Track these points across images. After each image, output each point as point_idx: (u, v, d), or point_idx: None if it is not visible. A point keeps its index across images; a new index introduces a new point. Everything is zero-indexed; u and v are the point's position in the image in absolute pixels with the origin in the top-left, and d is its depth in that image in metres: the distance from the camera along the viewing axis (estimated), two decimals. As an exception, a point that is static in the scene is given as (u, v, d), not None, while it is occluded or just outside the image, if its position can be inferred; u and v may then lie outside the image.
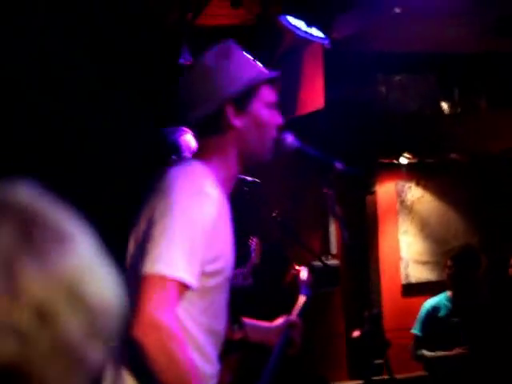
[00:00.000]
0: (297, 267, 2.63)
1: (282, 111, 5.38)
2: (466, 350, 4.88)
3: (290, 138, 2.13)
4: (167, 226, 1.81)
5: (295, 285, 2.57)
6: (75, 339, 0.72)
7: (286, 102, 5.08)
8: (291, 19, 3.83)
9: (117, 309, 0.77)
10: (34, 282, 0.70)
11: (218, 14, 3.92)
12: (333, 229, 6.06)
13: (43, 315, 0.70)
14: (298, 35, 3.75)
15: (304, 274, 2.58)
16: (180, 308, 1.87)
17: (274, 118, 2.06)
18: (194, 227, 1.82)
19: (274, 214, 3.20)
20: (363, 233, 6.16)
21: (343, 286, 6.03)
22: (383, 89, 5.53)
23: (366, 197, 6.18)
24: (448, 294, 5.17)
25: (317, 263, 5.63)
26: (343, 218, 2.18)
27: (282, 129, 2.10)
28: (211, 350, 1.98)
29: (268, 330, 2.42)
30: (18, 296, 0.70)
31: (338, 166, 2.14)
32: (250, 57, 2.08)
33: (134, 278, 1.81)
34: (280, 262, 4.87)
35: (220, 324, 2.03)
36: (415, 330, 5.20)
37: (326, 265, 5.66)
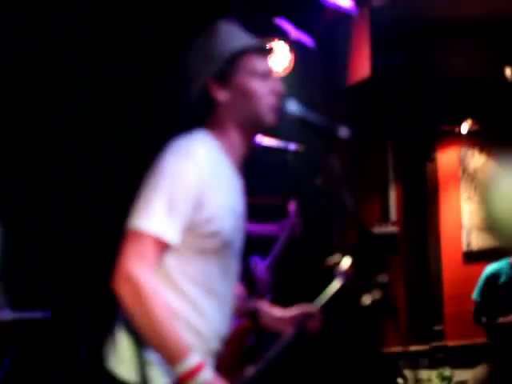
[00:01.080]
0: (337, 256, 2.54)
1: (333, 82, 5.32)
2: None
3: (291, 106, 2.08)
4: (150, 186, 1.89)
5: (331, 271, 2.50)
6: None
7: (336, 72, 5.10)
8: None
9: None
10: None
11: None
12: (392, 196, 6.04)
13: None
14: (327, 5, 3.71)
15: (346, 263, 2.46)
16: (173, 265, 1.93)
17: (265, 86, 2.03)
18: (175, 186, 1.87)
19: (317, 182, 3.18)
20: (423, 200, 6.13)
21: (403, 254, 6.03)
22: (444, 55, 5.44)
23: (426, 164, 6.14)
24: (510, 260, 5.13)
25: (375, 230, 5.64)
26: (348, 188, 2.12)
27: (283, 96, 2.07)
28: (212, 311, 1.99)
29: (282, 318, 2.37)
30: None
31: (343, 133, 2.06)
32: (238, 30, 2.07)
33: None
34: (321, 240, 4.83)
35: (225, 287, 2.03)
36: (474, 296, 5.17)
37: (382, 232, 5.65)
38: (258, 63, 2.04)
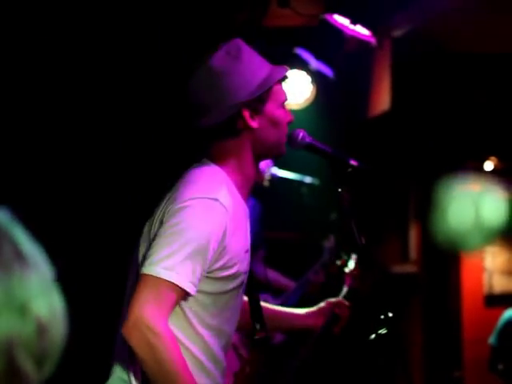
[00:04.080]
0: (344, 257, 2.57)
1: (353, 114, 5.23)
2: None
3: (301, 134, 2.10)
4: (173, 230, 1.82)
5: (340, 276, 2.53)
6: (15, 350, 0.78)
7: (356, 104, 5.00)
8: (337, 17, 3.77)
9: (60, 333, 0.83)
10: None
11: (282, 15, 3.86)
12: (412, 234, 5.90)
13: None
14: (346, 33, 3.68)
15: (351, 265, 2.52)
16: (189, 309, 1.89)
17: (286, 116, 2.05)
18: (201, 235, 1.82)
19: (332, 217, 3.10)
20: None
21: (421, 295, 5.86)
22: (468, 88, 5.34)
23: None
24: (532, 305, 4.95)
25: (393, 269, 5.49)
26: (356, 221, 2.08)
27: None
28: (219, 350, 1.98)
29: (308, 314, 2.37)
30: None
31: (352, 162, 2.08)
32: (258, 54, 2.04)
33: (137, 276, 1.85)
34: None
35: (230, 326, 2.02)
36: (491, 340, 4.98)
37: (402, 273, 5.49)
38: (281, 92, 2.06)
